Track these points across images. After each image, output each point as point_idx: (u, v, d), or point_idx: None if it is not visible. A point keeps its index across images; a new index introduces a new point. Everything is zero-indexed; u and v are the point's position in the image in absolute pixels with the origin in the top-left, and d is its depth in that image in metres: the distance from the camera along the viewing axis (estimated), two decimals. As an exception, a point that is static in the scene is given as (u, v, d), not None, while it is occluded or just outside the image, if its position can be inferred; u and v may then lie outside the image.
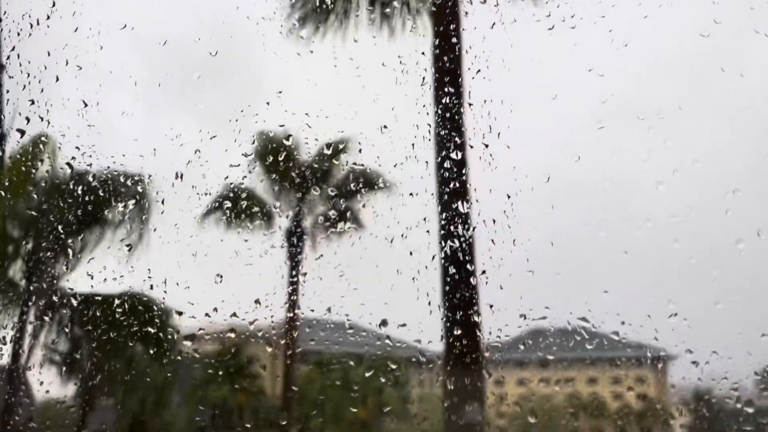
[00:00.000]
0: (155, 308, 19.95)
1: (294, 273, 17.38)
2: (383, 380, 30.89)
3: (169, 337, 23.51)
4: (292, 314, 17.23)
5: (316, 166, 19.02)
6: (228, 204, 19.23)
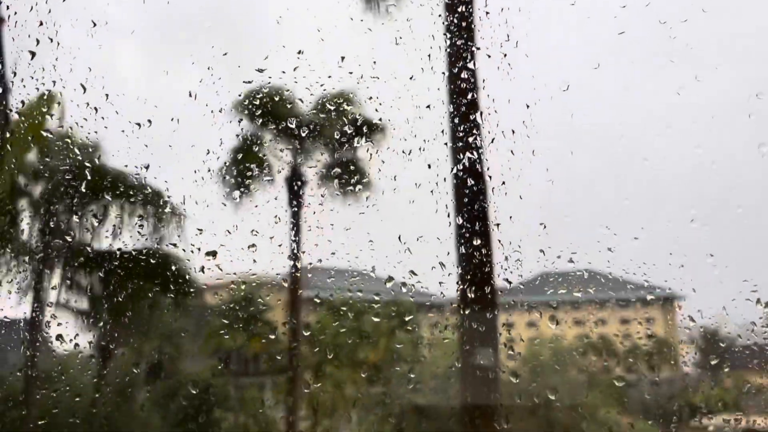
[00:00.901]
0: (169, 260, 20.16)
1: (297, 220, 17.41)
2: (397, 325, 31.34)
3: (182, 287, 23.83)
4: (296, 262, 17.35)
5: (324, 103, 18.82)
6: (236, 155, 19.16)
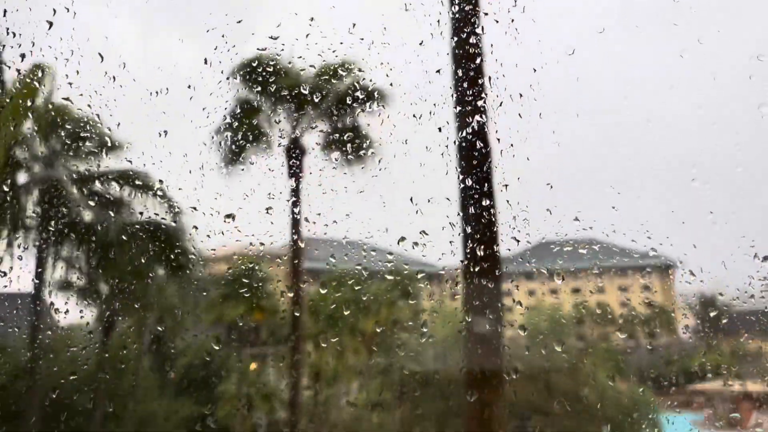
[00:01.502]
0: (170, 231, 20.17)
1: (297, 189, 17.39)
2: (396, 294, 31.49)
3: (182, 258, 23.88)
4: (296, 234, 17.40)
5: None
6: (235, 122, 19.06)
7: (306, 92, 18.69)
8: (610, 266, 59.96)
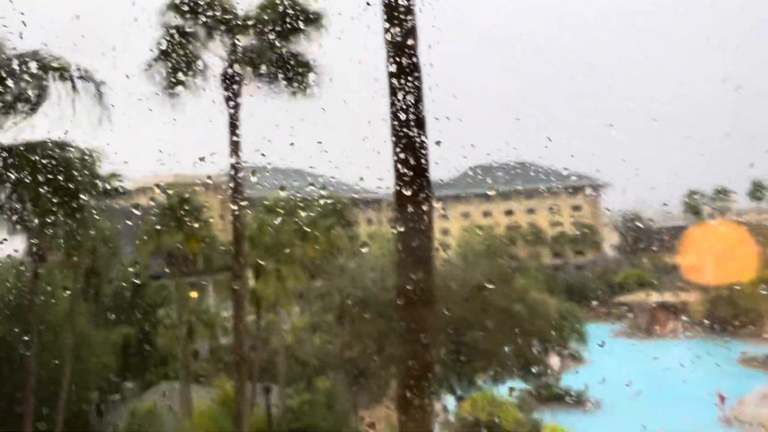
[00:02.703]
0: (97, 160, 19.46)
1: (235, 116, 17.04)
2: (334, 220, 31.62)
3: (113, 188, 23.20)
4: (235, 162, 17.16)
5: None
6: (170, 50, 18.21)
7: (240, 20, 17.98)
8: (541, 188, 61.90)
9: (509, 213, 61.86)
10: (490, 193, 60.55)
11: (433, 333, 9.39)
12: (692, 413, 29.49)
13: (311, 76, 18.46)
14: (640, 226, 57.71)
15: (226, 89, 17.56)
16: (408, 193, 8.57)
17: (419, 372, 9.01)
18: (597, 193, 62.00)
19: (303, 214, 30.97)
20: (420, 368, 9.01)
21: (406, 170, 8.56)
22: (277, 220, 26.81)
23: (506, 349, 26.87)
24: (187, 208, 24.66)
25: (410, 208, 8.61)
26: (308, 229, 29.39)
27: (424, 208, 8.64)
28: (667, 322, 43.85)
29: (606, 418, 27.23)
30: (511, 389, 28.08)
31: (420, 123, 8.27)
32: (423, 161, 8.64)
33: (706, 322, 42.11)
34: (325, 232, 31.33)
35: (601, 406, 29.87)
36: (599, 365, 29.30)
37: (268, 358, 29.02)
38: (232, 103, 17.46)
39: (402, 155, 8.26)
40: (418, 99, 8.20)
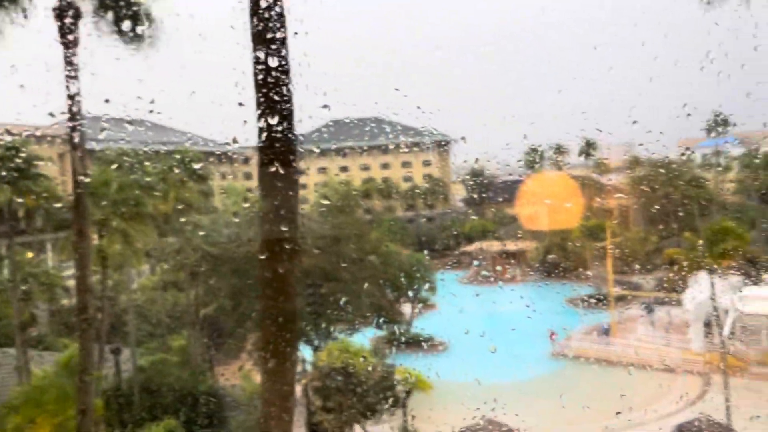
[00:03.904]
0: None
1: (73, 61, 15.67)
2: (185, 174, 30.40)
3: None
4: (74, 112, 15.84)
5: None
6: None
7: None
8: (395, 144, 63.57)
9: (365, 168, 63.07)
10: (347, 147, 61.23)
11: (289, 287, 9.53)
12: (528, 349, 32.60)
13: (159, 20, 17.31)
14: (485, 180, 61.42)
15: (61, 28, 15.95)
16: (268, 146, 8.49)
17: (282, 325, 9.14)
18: (446, 149, 64.87)
19: (152, 168, 29.42)
20: (283, 321, 9.12)
21: (266, 123, 8.46)
22: (123, 174, 25.32)
23: (361, 298, 27.81)
24: (18, 160, 22.45)
25: (268, 162, 8.54)
26: (157, 184, 28.04)
27: (283, 162, 8.62)
28: (506, 268, 47.55)
29: (452, 359, 29.28)
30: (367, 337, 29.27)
31: (285, 74, 8.16)
32: (285, 114, 8.58)
33: (540, 267, 46.22)
34: (177, 187, 30.07)
35: (448, 348, 32.03)
36: (447, 310, 31.24)
37: (117, 319, 27.74)
38: (68, 44, 15.91)
39: (262, 108, 8.14)
40: (284, 52, 8.06)
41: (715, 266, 26.19)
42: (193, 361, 26.42)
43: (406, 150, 62.68)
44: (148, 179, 26.88)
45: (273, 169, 8.26)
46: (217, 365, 28.39)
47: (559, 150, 54.66)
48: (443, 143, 63.29)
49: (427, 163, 63.65)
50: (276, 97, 8.14)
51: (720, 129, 51.13)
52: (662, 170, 42.92)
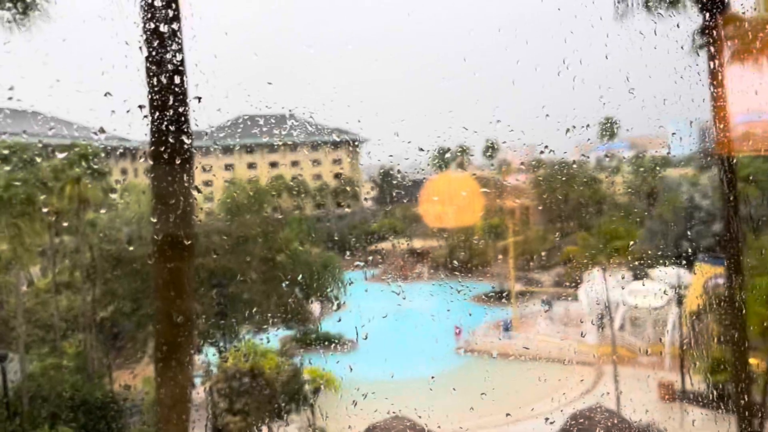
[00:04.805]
0: None
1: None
2: (82, 170, 28.97)
3: None
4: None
5: None
6: None
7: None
8: (305, 141, 63.16)
9: (274, 165, 62.20)
10: (255, 143, 60.15)
11: (192, 287, 9.26)
12: (434, 345, 33.37)
13: (45, 10, 16.32)
14: (394, 178, 62.21)
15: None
16: (165, 142, 8.20)
17: (178, 328, 8.85)
18: (356, 147, 65.14)
19: (45, 163, 27.72)
20: (179, 324, 8.84)
21: (163, 119, 8.17)
22: (13, 170, 23.76)
23: (269, 298, 27.48)
24: None
25: (166, 159, 8.25)
26: (51, 180, 26.50)
27: (181, 159, 8.35)
28: (414, 266, 48.40)
29: (361, 357, 29.48)
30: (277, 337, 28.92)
31: (178, 69, 7.89)
32: (182, 110, 8.32)
33: (446, 265, 47.41)
34: (72, 184, 28.49)
35: (356, 346, 32.23)
36: (356, 309, 31.43)
37: (4, 324, 25.97)
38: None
39: (158, 103, 7.86)
40: (179, 44, 7.78)
41: (607, 263, 27.87)
42: (90, 367, 25.18)
43: (316, 148, 62.42)
44: (41, 175, 25.35)
45: (166, 165, 7.99)
46: (116, 369, 27.18)
47: (464, 151, 56.26)
48: (354, 142, 63.55)
49: (337, 162, 63.66)
50: (168, 91, 7.87)
51: (610, 134, 54.49)
52: (561, 172, 45.12)
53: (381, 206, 62.75)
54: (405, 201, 60.62)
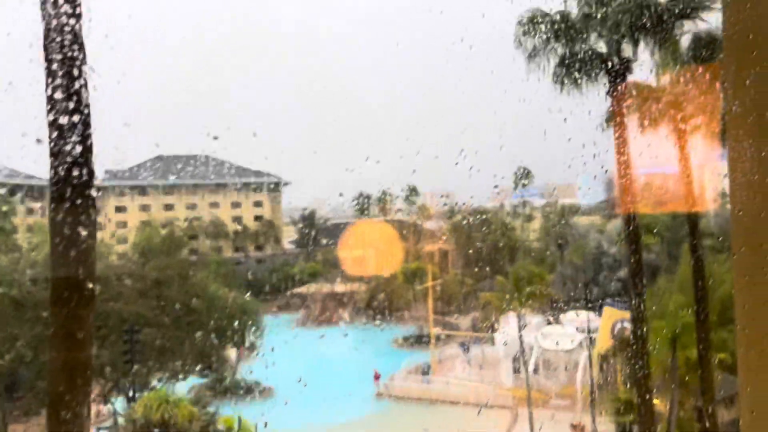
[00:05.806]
0: None
1: None
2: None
3: None
4: None
5: None
6: None
7: None
8: (225, 183, 62.25)
9: (192, 206, 60.64)
10: (172, 184, 58.64)
11: (91, 334, 8.83)
12: (353, 390, 33.01)
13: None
14: (315, 222, 62.08)
15: None
16: (66, 182, 7.90)
17: (73, 379, 8.37)
18: (278, 190, 64.65)
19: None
20: (73, 373, 8.35)
21: (64, 157, 7.89)
22: None
23: (183, 345, 26.54)
24: None
25: (69, 198, 7.94)
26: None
27: (86, 198, 8.05)
28: (335, 311, 48.05)
29: (279, 403, 28.78)
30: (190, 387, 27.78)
31: (80, 109, 7.68)
32: (84, 149, 8.03)
33: (367, 309, 47.38)
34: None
35: (274, 393, 31.46)
36: (275, 354, 30.80)
37: None
38: None
39: (59, 143, 7.61)
40: (80, 83, 7.58)
41: (522, 307, 28.71)
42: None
43: (237, 190, 61.52)
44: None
45: (66, 205, 7.70)
46: (12, 423, 25.30)
47: (385, 196, 57.04)
48: (275, 185, 63.07)
49: (258, 204, 62.84)
50: (70, 127, 7.65)
51: (524, 181, 56.89)
52: (477, 217, 46.44)
53: (302, 250, 62.16)
54: (327, 245, 60.32)
